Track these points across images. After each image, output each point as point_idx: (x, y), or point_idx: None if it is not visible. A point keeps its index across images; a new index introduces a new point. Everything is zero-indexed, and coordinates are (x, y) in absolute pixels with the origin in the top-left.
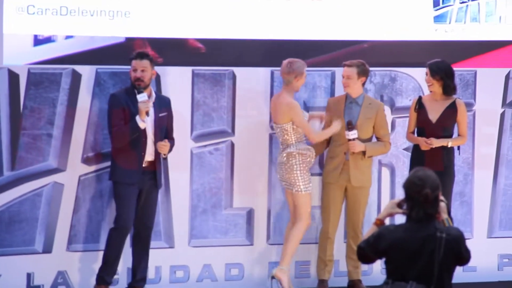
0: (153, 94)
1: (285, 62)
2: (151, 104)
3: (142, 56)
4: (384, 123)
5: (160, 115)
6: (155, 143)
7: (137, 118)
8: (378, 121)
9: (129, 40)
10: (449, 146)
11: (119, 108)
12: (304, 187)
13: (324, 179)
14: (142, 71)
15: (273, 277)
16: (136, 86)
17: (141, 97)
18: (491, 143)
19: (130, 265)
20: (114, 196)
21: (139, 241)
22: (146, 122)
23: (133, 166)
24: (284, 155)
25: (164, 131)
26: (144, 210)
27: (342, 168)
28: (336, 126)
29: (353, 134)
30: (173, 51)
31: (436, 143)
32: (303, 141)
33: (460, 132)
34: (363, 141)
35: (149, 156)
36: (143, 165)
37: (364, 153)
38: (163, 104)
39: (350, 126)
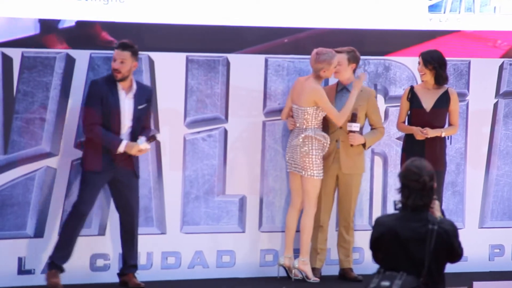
0: (134, 86)
1: (313, 51)
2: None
3: (124, 46)
4: (376, 110)
5: (139, 107)
6: (132, 135)
7: (122, 145)
8: (370, 108)
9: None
10: (442, 135)
11: (97, 99)
12: (317, 173)
13: None
14: (121, 62)
15: (281, 265)
16: (114, 76)
17: (142, 143)
18: (483, 133)
19: (121, 251)
20: (80, 181)
21: (124, 229)
22: (124, 114)
23: (103, 156)
24: (301, 138)
25: (142, 122)
26: (126, 199)
27: (333, 157)
28: (352, 98)
29: (355, 127)
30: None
31: (431, 133)
32: (320, 127)
33: (452, 121)
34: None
35: (122, 147)
36: (117, 155)
37: (363, 145)
38: (143, 96)
39: (354, 118)
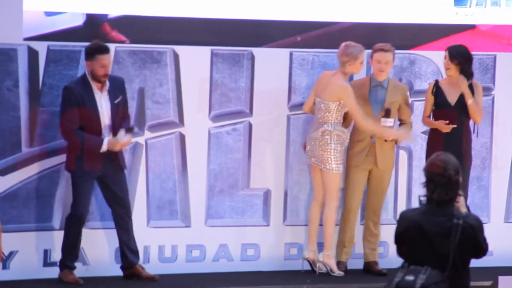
0: (106, 82)
1: (342, 44)
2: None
3: (107, 49)
4: (408, 106)
5: (116, 101)
6: (113, 130)
7: (104, 145)
8: (403, 104)
9: None
10: (469, 103)
11: (73, 105)
12: (336, 166)
13: (349, 162)
14: (108, 65)
15: (305, 259)
16: (101, 80)
17: (122, 138)
18: (509, 127)
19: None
20: (71, 184)
21: (119, 222)
22: (103, 113)
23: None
24: (320, 132)
25: (120, 114)
26: (116, 193)
27: (368, 151)
28: (397, 133)
29: (389, 122)
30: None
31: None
32: (340, 122)
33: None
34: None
35: (104, 147)
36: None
37: (395, 140)
38: (117, 88)
39: (388, 113)
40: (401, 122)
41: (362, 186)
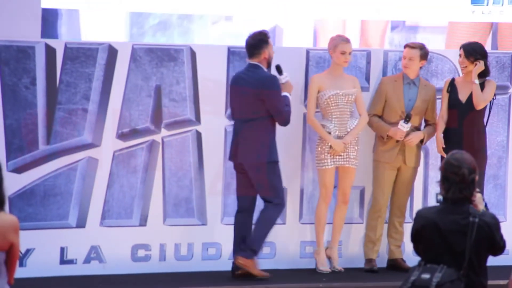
0: None
1: None
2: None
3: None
4: (435, 106)
5: None
6: None
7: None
8: (431, 104)
9: None
10: (476, 83)
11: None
12: (317, 163)
13: (379, 159)
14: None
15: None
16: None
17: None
18: None
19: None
20: (270, 174)
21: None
22: None
23: None
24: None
25: None
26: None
27: (399, 149)
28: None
29: (407, 127)
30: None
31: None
32: (326, 116)
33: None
34: (415, 123)
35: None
36: None
37: (421, 141)
38: None
39: (408, 118)
40: (427, 123)
41: (392, 183)
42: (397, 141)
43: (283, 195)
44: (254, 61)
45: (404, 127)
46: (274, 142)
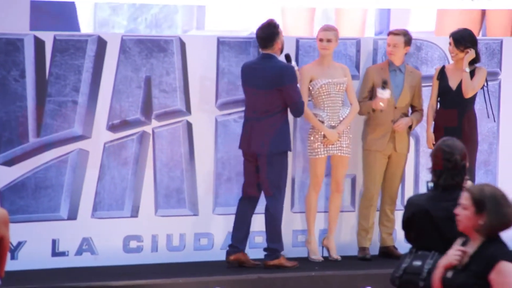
0: None
1: None
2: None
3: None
4: (421, 92)
5: None
6: None
7: None
8: (417, 90)
9: None
10: (466, 71)
11: None
12: (309, 151)
13: (370, 147)
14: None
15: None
16: None
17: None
18: None
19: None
20: (280, 165)
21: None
22: None
23: None
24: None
25: None
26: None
27: (389, 136)
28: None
29: (386, 94)
30: None
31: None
32: (319, 105)
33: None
34: (403, 109)
35: None
36: None
37: (410, 127)
38: None
39: (384, 84)
40: (414, 109)
41: (383, 171)
42: (381, 110)
43: (285, 188)
44: (268, 52)
45: (382, 94)
46: (289, 133)
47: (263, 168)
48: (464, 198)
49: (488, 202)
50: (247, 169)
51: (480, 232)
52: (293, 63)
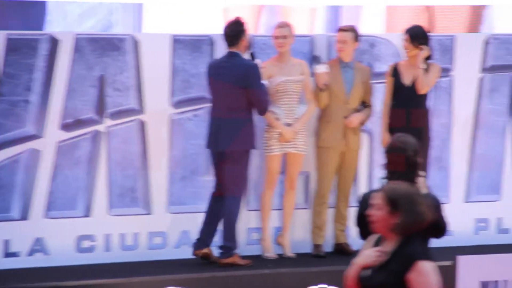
0: None
1: None
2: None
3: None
4: (370, 88)
5: None
6: None
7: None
8: (367, 86)
9: None
10: (421, 67)
11: None
12: (265, 148)
13: (322, 144)
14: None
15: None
16: None
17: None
18: (468, 108)
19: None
20: (243, 164)
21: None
22: None
23: None
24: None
25: None
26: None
27: (342, 133)
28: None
29: (324, 68)
30: None
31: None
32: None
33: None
34: (355, 105)
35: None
36: None
37: (361, 122)
38: None
39: (317, 60)
40: (364, 105)
41: (335, 168)
42: (321, 89)
43: (246, 187)
44: (233, 50)
45: (320, 69)
46: (254, 131)
47: (226, 165)
48: (378, 198)
49: (402, 201)
50: (216, 168)
51: (395, 232)
52: (258, 60)
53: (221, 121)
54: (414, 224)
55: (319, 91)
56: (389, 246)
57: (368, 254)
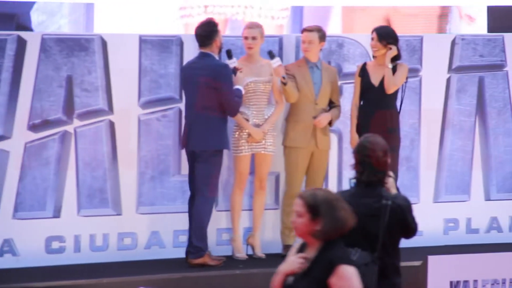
0: None
1: None
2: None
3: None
4: (337, 88)
5: None
6: None
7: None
8: (335, 85)
9: None
10: (389, 67)
11: None
12: (233, 149)
13: (291, 144)
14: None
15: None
16: None
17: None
18: (437, 108)
19: None
20: (215, 164)
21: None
22: None
23: None
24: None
25: None
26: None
27: (311, 133)
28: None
29: (278, 61)
30: None
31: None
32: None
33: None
34: (323, 105)
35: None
36: None
37: (330, 122)
38: None
39: (271, 55)
40: (332, 105)
41: (305, 168)
42: (283, 83)
43: (217, 188)
44: (206, 50)
45: (275, 63)
46: (226, 131)
47: (197, 165)
48: (298, 205)
49: (322, 207)
50: (191, 168)
51: (317, 237)
52: (233, 59)
53: (193, 121)
54: (336, 230)
55: (283, 86)
56: (311, 252)
57: (291, 261)
